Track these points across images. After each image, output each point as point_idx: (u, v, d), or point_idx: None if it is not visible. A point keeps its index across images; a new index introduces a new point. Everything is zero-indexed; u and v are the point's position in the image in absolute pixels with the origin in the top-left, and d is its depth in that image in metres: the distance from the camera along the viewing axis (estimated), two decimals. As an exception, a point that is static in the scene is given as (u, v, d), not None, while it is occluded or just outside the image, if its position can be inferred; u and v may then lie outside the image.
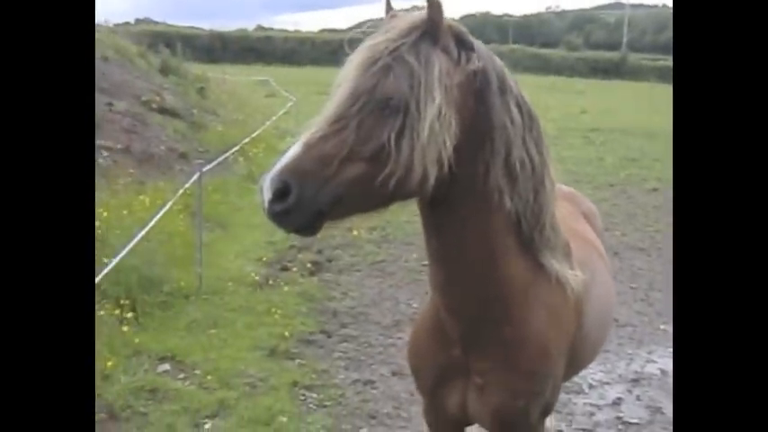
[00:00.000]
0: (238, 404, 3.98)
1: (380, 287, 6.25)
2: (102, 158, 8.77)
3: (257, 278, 6.19)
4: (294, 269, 6.56)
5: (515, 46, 55.06)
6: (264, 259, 6.88)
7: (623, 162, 13.01)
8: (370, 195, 1.68)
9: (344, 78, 1.70)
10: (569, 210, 2.89)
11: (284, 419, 3.82)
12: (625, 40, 57.80)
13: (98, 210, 6.14)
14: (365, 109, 1.64)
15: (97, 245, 5.57)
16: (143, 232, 4.64)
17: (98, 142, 9.06)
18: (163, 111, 11.97)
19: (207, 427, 3.78)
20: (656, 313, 5.79)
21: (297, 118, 15.43)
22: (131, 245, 4.49)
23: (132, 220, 6.26)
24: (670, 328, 5.46)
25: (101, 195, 6.75)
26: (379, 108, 1.64)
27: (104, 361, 4.24)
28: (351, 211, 1.74)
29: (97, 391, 4.04)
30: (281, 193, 1.59)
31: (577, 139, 15.52)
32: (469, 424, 2.41)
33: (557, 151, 13.52)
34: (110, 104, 10.49)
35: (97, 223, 5.77)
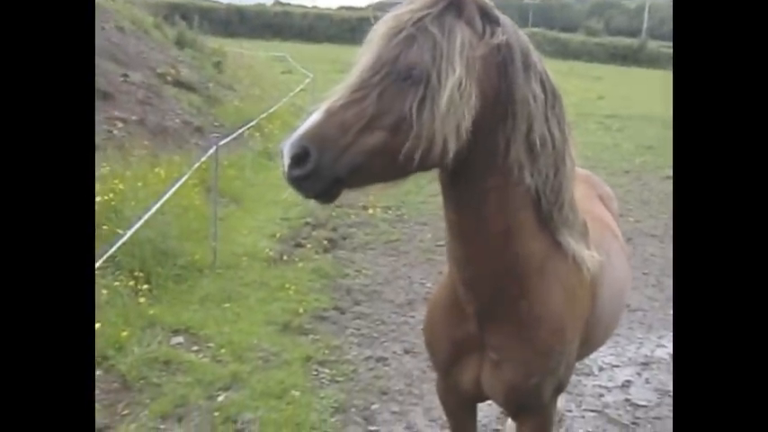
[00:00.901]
0: (251, 377, 4.02)
1: (394, 266, 6.26)
2: (116, 130, 8.78)
3: (272, 254, 6.22)
4: (309, 246, 6.59)
5: (535, 29, 54.46)
6: (279, 235, 6.91)
7: (639, 149, 12.92)
8: (389, 165, 1.67)
9: (368, 47, 1.69)
10: (586, 192, 2.88)
11: (297, 393, 3.85)
12: (645, 26, 56.84)
13: (113, 181, 6.18)
14: (387, 78, 1.63)
15: (112, 216, 5.63)
16: (158, 204, 4.67)
17: (113, 113, 9.09)
18: (178, 84, 11.95)
19: (220, 399, 3.82)
20: (666, 299, 5.77)
21: (313, 95, 15.39)
22: (146, 216, 4.52)
23: (147, 193, 6.29)
24: (682, 315, 5.46)
25: (115, 167, 6.79)
26: (401, 78, 1.63)
27: (118, 332, 4.29)
28: (370, 179, 1.72)
29: (111, 362, 4.10)
30: (299, 158, 1.59)
31: (594, 125, 15.41)
32: (482, 401, 2.42)
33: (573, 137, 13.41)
34: (125, 75, 10.49)
35: (111, 195, 5.81)
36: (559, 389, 2.33)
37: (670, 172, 10.97)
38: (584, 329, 2.33)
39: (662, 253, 7.03)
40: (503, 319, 2.10)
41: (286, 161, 1.60)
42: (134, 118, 9.46)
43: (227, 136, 9.31)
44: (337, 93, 1.65)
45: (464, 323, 2.17)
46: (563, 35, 54.74)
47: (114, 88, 9.86)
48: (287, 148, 1.60)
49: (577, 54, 48.34)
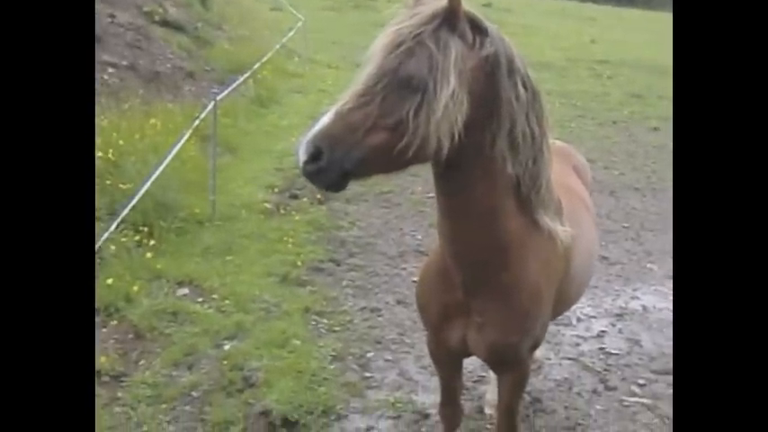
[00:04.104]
0: (255, 327, 4.30)
1: (386, 218, 6.52)
2: (107, 75, 8.77)
3: (269, 206, 6.45)
4: (304, 198, 6.80)
5: (528, -35, 53.21)
6: (274, 186, 7.11)
7: (628, 98, 13.04)
8: (389, 159, 1.93)
9: (372, 57, 1.91)
10: (561, 165, 3.14)
11: (297, 342, 4.15)
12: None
13: (111, 133, 6.30)
14: (389, 86, 1.86)
15: (113, 170, 5.80)
16: (162, 166, 4.85)
17: (103, 58, 9.04)
18: (165, 23, 11.70)
19: (226, 348, 4.11)
20: (644, 252, 6.10)
21: (305, 37, 15.28)
22: (154, 176, 4.71)
23: (145, 145, 6.43)
24: (656, 267, 5.80)
25: (110, 116, 6.88)
26: (401, 86, 1.86)
27: (128, 285, 4.54)
28: (373, 171, 1.99)
29: (122, 313, 4.36)
30: (313, 156, 1.84)
31: (585, 71, 15.46)
32: (468, 356, 2.74)
33: (563, 84, 13.52)
34: (112, 16, 10.31)
35: (111, 150, 5.95)
36: (535, 346, 2.66)
37: (657, 123, 11.18)
38: (557, 292, 2.64)
39: (643, 206, 7.32)
40: (486, 287, 2.39)
41: (302, 158, 1.85)
42: (124, 63, 9.38)
43: (221, 83, 9.33)
44: (345, 98, 1.89)
45: (452, 290, 2.45)
46: (558, -28, 53.60)
47: (102, 30, 9.69)
48: (302, 147, 1.85)
49: (571, -8, 47.55)
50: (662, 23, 29.22)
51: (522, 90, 2.06)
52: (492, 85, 1.99)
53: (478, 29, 1.96)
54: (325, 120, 1.87)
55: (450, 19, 1.89)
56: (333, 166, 1.85)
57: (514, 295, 2.40)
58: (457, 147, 1.98)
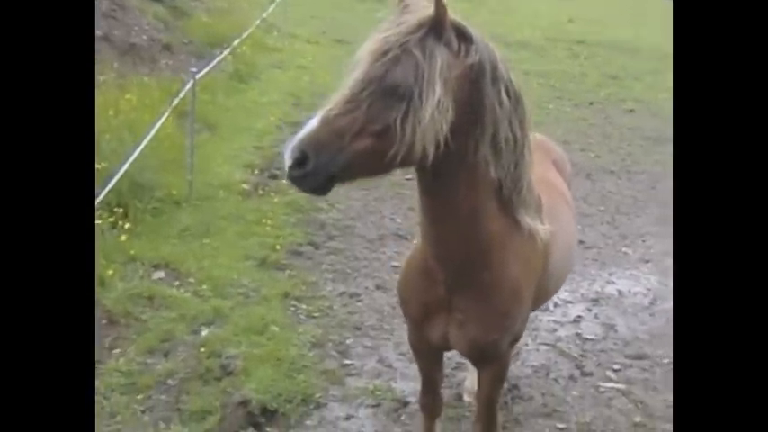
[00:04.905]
0: (233, 313, 4.27)
1: (366, 200, 6.49)
2: (80, 46, 8.54)
3: (247, 187, 6.38)
4: (283, 179, 6.73)
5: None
6: (253, 165, 7.02)
7: (605, 80, 13.08)
8: (375, 164, 1.97)
9: (358, 63, 1.92)
10: (540, 159, 3.16)
11: (276, 329, 4.13)
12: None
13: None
14: (375, 93, 1.89)
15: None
16: (141, 147, 4.75)
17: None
18: (141, -9, 11.44)
19: (204, 334, 4.07)
20: (619, 236, 6.18)
21: (285, 10, 15.00)
22: (132, 158, 4.61)
23: (119, 122, 6.28)
24: (631, 251, 5.90)
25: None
26: (387, 94, 1.88)
27: (102, 268, 4.45)
28: (357, 175, 2.03)
29: (96, 297, 4.30)
30: (299, 161, 1.86)
31: (563, 52, 15.42)
32: (448, 350, 2.77)
33: (541, 64, 13.48)
34: (84, -18, 10.03)
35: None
36: (515, 340, 2.71)
37: (632, 105, 11.26)
38: (537, 288, 2.68)
39: (618, 189, 7.40)
40: (468, 286, 2.41)
41: (287, 163, 1.87)
42: (98, 33, 9.11)
43: (200, 57, 9.10)
44: (331, 103, 1.89)
45: (434, 287, 2.47)
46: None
47: (74, -3, 9.45)
48: (288, 152, 1.86)
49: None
50: (637, 2, 29.23)
51: (505, 97, 2.09)
52: (476, 92, 2.02)
53: (464, 37, 1.98)
54: (312, 125, 1.89)
55: (436, 28, 1.91)
56: (319, 171, 1.87)
57: (495, 294, 2.43)
58: (441, 153, 2.00)
